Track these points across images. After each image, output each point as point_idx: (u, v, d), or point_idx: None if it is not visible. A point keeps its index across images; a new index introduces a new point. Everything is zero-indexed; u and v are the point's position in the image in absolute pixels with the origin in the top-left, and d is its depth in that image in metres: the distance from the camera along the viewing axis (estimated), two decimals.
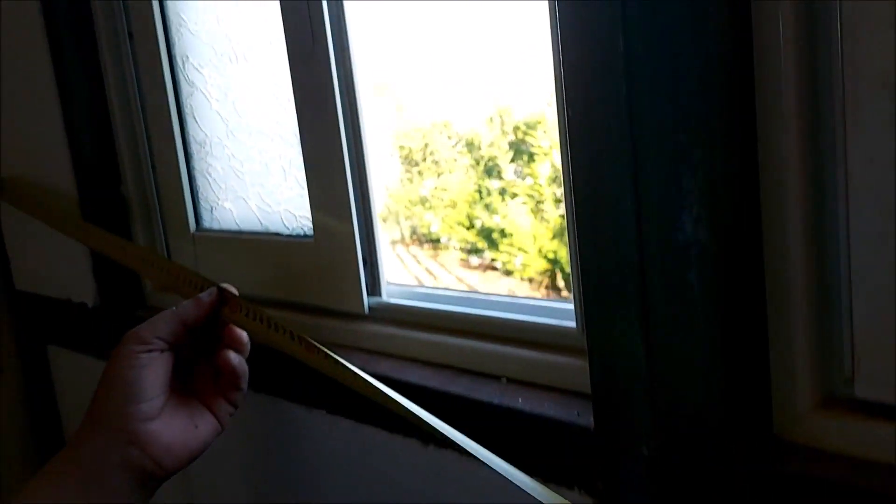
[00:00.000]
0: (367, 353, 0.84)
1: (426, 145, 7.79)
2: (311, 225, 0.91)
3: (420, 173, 7.53)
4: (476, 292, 0.82)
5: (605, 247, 0.56)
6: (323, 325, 0.88)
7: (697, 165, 0.50)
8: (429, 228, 6.60)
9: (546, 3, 0.63)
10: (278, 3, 0.85)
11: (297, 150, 0.90)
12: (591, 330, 0.58)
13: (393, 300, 0.85)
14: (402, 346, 0.81)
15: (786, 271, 0.51)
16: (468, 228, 6.18)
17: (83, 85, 1.10)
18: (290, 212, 0.94)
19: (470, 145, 7.09)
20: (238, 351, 0.67)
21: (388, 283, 0.87)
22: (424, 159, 7.71)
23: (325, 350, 0.62)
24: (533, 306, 0.75)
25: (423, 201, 6.97)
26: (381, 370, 0.79)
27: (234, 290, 0.68)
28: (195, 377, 0.67)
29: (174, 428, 0.62)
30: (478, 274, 5.98)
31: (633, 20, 0.51)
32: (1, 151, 1.28)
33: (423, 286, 0.87)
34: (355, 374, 0.60)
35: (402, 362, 0.80)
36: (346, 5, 0.81)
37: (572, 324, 0.69)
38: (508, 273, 5.67)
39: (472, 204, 6.29)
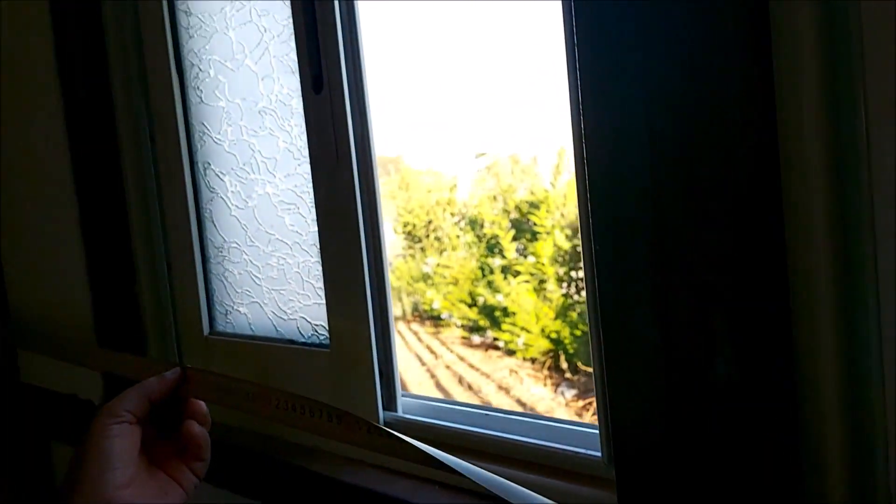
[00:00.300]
0: (381, 471, 0.82)
1: (429, 222, 7.85)
2: (327, 334, 0.91)
3: (423, 249, 7.57)
4: (494, 409, 0.81)
5: (634, 382, 0.56)
6: None
7: (727, 306, 0.50)
8: (430, 305, 6.59)
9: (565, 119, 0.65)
10: (303, 121, 0.88)
11: (315, 259, 0.91)
12: (621, 464, 0.58)
13: (409, 416, 0.84)
14: (417, 465, 0.80)
15: (821, 421, 0.51)
16: (470, 306, 6.18)
17: (102, 185, 1.12)
18: (306, 319, 0.94)
19: (473, 223, 7.15)
20: (200, 423, 0.73)
21: (403, 396, 0.87)
22: (427, 236, 7.76)
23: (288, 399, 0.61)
24: (554, 428, 0.75)
25: (426, 278, 6.98)
26: (396, 491, 0.78)
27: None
28: (162, 451, 0.72)
29: (146, 496, 0.67)
30: (479, 353, 5.95)
31: (660, 166, 0.52)
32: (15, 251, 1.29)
33: (439, 401, 0.86)
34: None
35: (418, 483, 0.79)
36: (372, 124, 0.83)
37: (597, 453, 0.68)
38: (511, 353, 5.64)
39: (474, 281, 6.31)
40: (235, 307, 1.03)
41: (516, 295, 5.47)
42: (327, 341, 0.91)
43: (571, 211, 5.55)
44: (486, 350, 5.90)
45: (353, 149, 0.82)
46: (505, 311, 5.56)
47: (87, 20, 1.08)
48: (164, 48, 1.02)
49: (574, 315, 5.11)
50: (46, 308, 1.28)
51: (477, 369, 5.53)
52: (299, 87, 0.87)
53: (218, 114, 1.00)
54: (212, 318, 1.07)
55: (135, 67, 1.07)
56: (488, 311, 5.86)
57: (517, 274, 5.61)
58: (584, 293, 5.58)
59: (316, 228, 0.90)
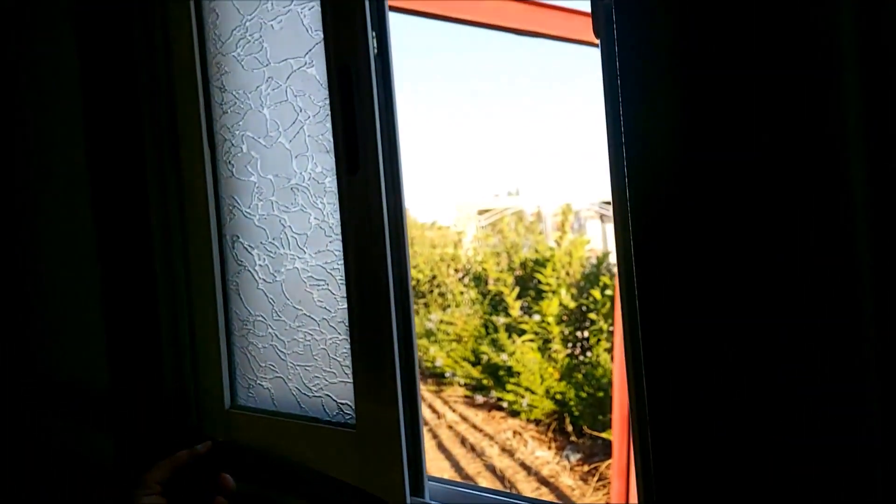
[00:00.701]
0: None
1: (433, 277, 7.85)
2: (353, 414, 0.91)
3: (426, 305, 7.56)
4: (519, 497, 0.80)
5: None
6: None
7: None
8: (433, 363, 6.55)
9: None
10: (336, 199, 0.89)
11: (343, 337, 0.91)
12: None
13: (435, 502, 0.83)
14: None
15: None
16: (473, 365, 6.14)
17: (129, 253, 1.13)
18: (331, 397, 0.94)
19: (477, 279, 7.16)
20: (226, 497, 0.83)
21: (430, 480, 0.86)
22: (431, 291, 7.75)
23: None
24: None
25: (429, 334, 6.95)
26: None
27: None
28: None
29: None
30: (482, 413, 5.89)
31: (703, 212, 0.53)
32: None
33: (465, 486, 0.85)
34: None
35: None
36: (405, 202, 0.85)
37: None
38: (514, 414, 5.58)
39: (477, 339, 6.28)
40: (258, 381, 1.03)
41: (521, 354, 5.44)
42: (353, 421, 0.90)
43: (577, 270, 5.56)
44: (490, 410, 5.84)
45: (387, 227, 0.84)
46: (509, 371, 5.53)
47: (121, 89, 1.11)
48: (198, 122, 1.04)
49: (580, 376, 5.08)
50: (67, 374, 1.28)
51: (480, 430, 5.47)
52: (333, 167, 0.89)
53: (249, 188, 1.01)
54: (233, 391, 1.07)
55: (167, 140, 1.09)
56: (492, 369, 5.83)
57: (522, 332, 5.59)
58: (588, 354, 5.54)
59: (345, 305, 0.90)
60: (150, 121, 1.09)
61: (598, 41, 0.68)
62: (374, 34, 0.82)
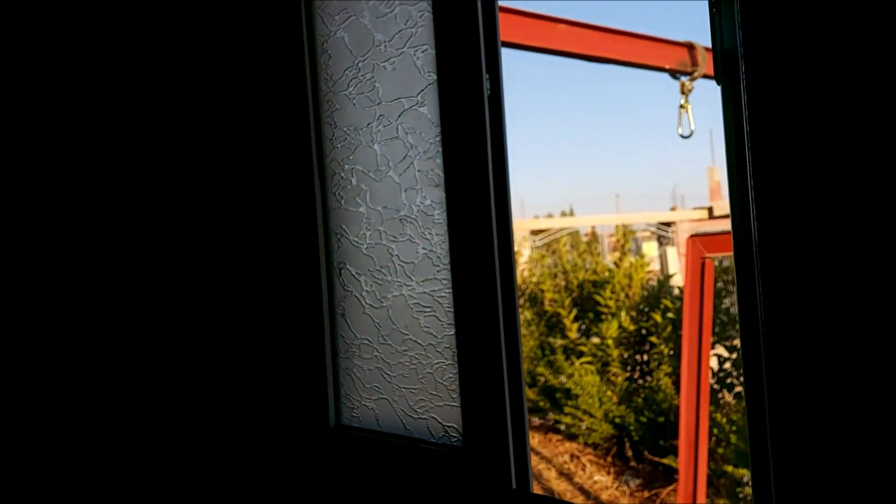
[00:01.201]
0: None
1: None
2: (459, 436, 0.95)
3: None
4: None
5: None
6: None
7: None
8: None
9: None
10: (445, 230, 0.94)
11: (450, 362, 0.96)
12: None
13: None
14: None
15: None
16: (530, 387, 6.13)
17: (238, 278, 1.20)
18: (437, 420, 0.98)
19: (533, 299, 7.17)
20: None
21: (536, 499, 0.89)
22: None
23: None
24: None
25: None
26: None
27: None
28: None
29: None
30: (538, 436, 5.88)
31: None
32: None
33: (566, 502, 0.89)
34: None
35: None
36: (513, 234, 0.89)
37: None
38: (572, 437, 5.56)
39: (533, 360, 6.28)
40: (363, 402, 1.08)
41: (579, 377, 5.42)
42: (460, 443, 0.95)
43: (637, 292, 5.53)
44: (546, 433, 5.83)
45: (497, 261, 0.88)
46: (567, 393, 5.51)
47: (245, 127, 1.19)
48: (309, 156, 1.10)
49: (640, 400, 5.04)
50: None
51: (537, 453, 5.46)
52: (442, 199, 0.94)
53: (358, 219, 1.07)
54: (338, 411, 1.12)
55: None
56: (549, 392, 5.82)
57: (580, 354, 5.58)
58: (648, 378, 5.49)
59: (452, 332, 0.95)
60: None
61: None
62: (487, 76, 0.87)
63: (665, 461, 4.64)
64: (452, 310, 0.94)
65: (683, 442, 3.08)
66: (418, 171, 0.98)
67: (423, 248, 0.99)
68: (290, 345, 1.17)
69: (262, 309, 1.18)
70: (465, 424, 0.93)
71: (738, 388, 5.08)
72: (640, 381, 5.44)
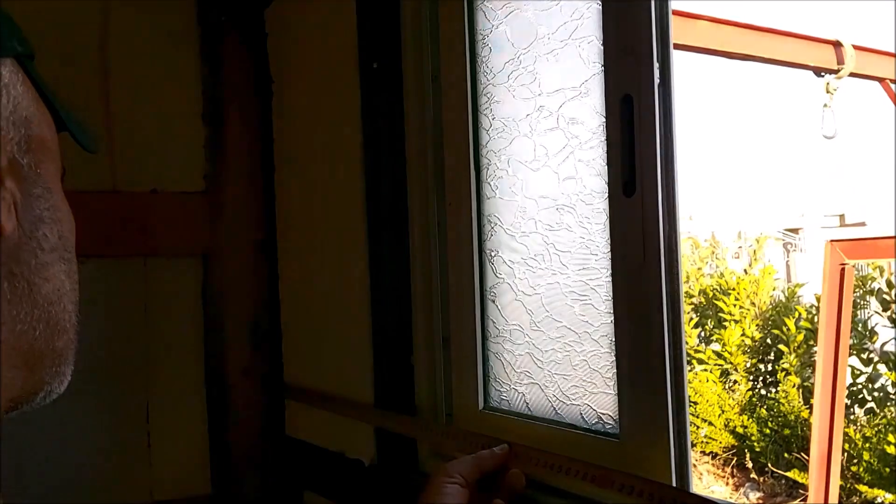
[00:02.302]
0: None
1: None
2: (614, 424, 0.95)
3: None
4: None
5: None
6: None
7: None
8: None
9: None
10: (604, 219, 0.94)
11: (605, 350, 0.96)
12: None
13: None
14: None
15: None
16: None
17: (390, 263, 1.24)
18: (590, 407, 0.98)
19: None
20: (511, 498, 0.87)
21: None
22: None
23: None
24: None
25: None
26: None
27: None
28: None
29: None
30: None
31: None
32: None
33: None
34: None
35: None
36: (679, 227, 0.88)
37: None
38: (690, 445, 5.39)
39: None
40: (513, 386, 1.10)
41: (698, 384, 5.25)
42: (615, 430, 0.94)
43: (764, 300, 5.29)
44: None
45: (663, 251, 0.87)
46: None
47: (392, 113, 1.23)
48: (466, 146, 1.13)
49: (763, 411, 4.82)
50: (324, 371, 1.42)
51: None
52: (603, 189, 0.94)
53: (512, 208, 1.09)
54: (486, 394, 1.14)
55: (432, 160, 1.19)
56: None
57: (700, 362, 5.40)
58: (773, 389, 5.24)
59: (609, 321, 0.95)
60: (417, 140, 1.20)
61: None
62: (658, 65, 0.87)
63: (790, 475, 4.42)
64: (611, 298, 0.94)
65: (816, 456, 2.93)
66: (578, 160, 0.99)
67: (581, 237, 1.00)
68: (437, 327, 1.20)
69: (403, 297, 1.22)
70: (621, 413, 0.92)
71: (871, 404, 4.78)
72: (764, 392, 5.20)
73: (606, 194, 0.93)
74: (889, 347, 4.82)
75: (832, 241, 3.07)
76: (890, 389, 4.75)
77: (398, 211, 1.24)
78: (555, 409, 1.04)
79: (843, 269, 3.04)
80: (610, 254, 0.93)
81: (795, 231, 9.26)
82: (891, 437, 4.04)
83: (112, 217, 1.48)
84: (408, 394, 1.24)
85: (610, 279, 0.94)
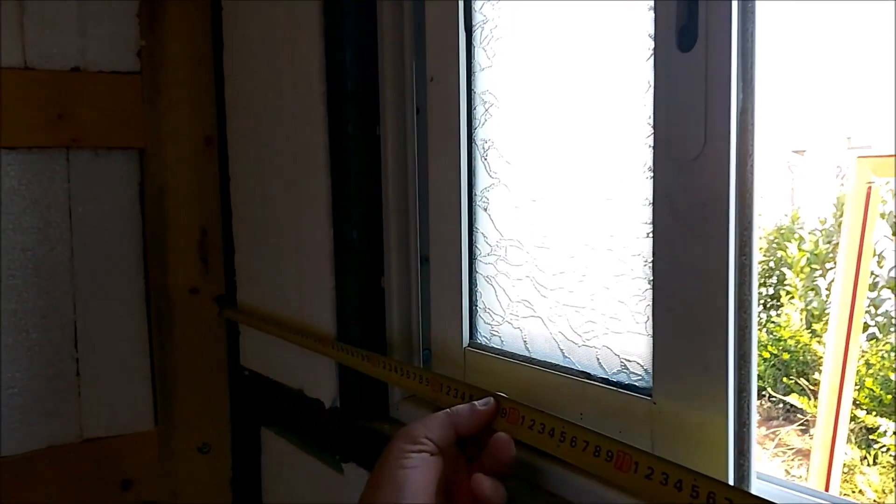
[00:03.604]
0: None
1: None
2: (643, 375, 0.67)
3: None
4: None
5: None
6: None
7: None
8: None
9: None
10: (646, 90, 0.64)
11: (638, 275, 0.67)
12: None
13: None
14: None
15: None
16: None
17: (356, 159, 0.94)
18: (611, 350, 0.71)
19: None
20: (498, 469, 0.63)
21: (759, 478, 0.61)
22: None
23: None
24: None
25: None
26: None
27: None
28: (456, 489, 0.63)
29: None
30: None
31: None
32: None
33: (807, 490, 0.60)
34: None
35: None
36: (757, 99, 0.58)
37: None
38: None
39: None
40: (507, 319, 0.82)
41: None
42: (645, 384, 0.67)
43: (768, 223, 5.00)
44: None
45: (733, 130, 0.58)
46: None
47: None
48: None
49: (763, 335, 4.60)
50: (281, 293, 1.14)
51: None
52: (648, 40, 0.64)
53: (512, 81, 0.78)
54: (473, 328, 0.87)
55: (409, 18, 0.88)
56: None
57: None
58: (775, 313, 5.01)
59: (646, 233, 0.66)
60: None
61: None
62: None
63: (789, 399, 4.24)
64: (650, 201, 0.65)
65: (827, 385, 2.70)
66: (601, 11, 0.68)
67: (609, 112, 0.70)
68: (414, 242, 0.92)
69: (371, 203, 0.93)
70: (656, 361, 0.65)
71: (873, 329, 4.55)
72: (764, 316, 4.98)
73: (651, 46, 0.63)
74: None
75: (861, 157, 2.76)
76: (894, 315, 4.53)
77: (366, 91, 0.93)
78: (562, 350, 0.76)
79: (869, 188, 2.74)
80: (653, 135, 0.63)
81: (800, 153, 8.84)
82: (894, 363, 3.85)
83: (24, 100, 1.17)
84: (377, 325, 0.96)
85: (650, 173, 0.64)
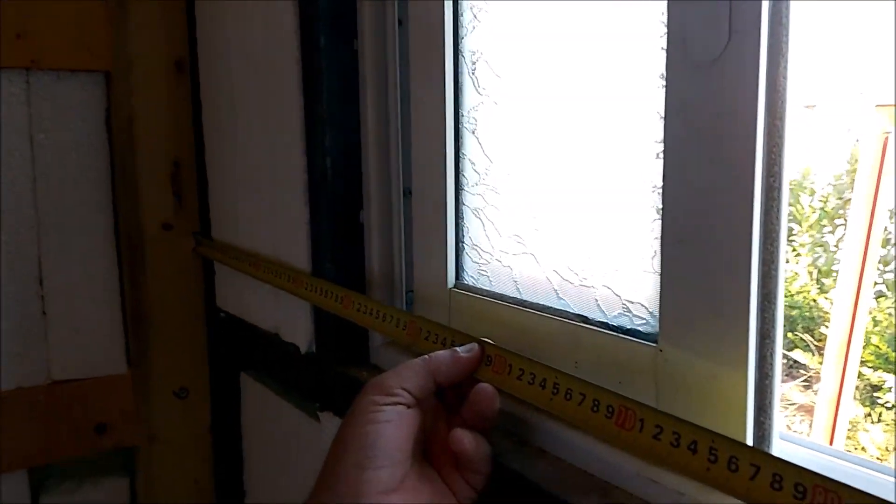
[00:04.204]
0: None
1: None
2: (649, 319, 0.58)
3: None
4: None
5: None
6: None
7: None
8: None
9: None
10: None
11: (649, 205, 0.57)
12: None
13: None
14: None
15: None
16: None
17: (330, 79, 0.83)
18: (612, 291, 0.61)
19: None
20: (480, 423, 0.55)
21: (783, 439, 0.52)
22: None
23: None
24: None
25: None
26: None
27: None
28: (434, 446, 0.56)
29: None
30: None
31: None
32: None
33: (830, 451, 0.51)
34: None
35: None
36: None
37: None
38: None
39: None
40: (496, 257, 0.72)
41: None
42: (651, 330, 0.57)
43: None
44: None
45: (766, 24, 0.47)
46: None
47: None
48: None
49: None
50: (255, 228, 1.04)
51: None
52: None
53: None
54: (459, 268, 0.77)
55: None
56: None
57: None
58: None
59: (656, 153, 0.56)
60: None
61: None
62: None
63: (791, 354, 4.17)
64: (661, 114, 0.54)
65: (834, 341, 2.61)
66: None
67: (618, 22, 0.59)
68: (407, 170, 0.82)
69: (348, 130, 0.82)
70: (664, 304, 0.55)
71: (881, 286, 4.45)
72: None
73: None
74: None
75: (878, 105, 2.62)
76: None
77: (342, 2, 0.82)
78: (556, 291, 0.66)
79: (886, 139, 2.61)
80: (667, 35, 0.52)
81: (811, 107, 8.62)
82: None
83: None
84: (355, 264, 0.87)
85: (663, 81, 0.54)
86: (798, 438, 0.52)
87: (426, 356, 0.58)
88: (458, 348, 0.60)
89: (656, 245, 0.56)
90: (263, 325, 1.04)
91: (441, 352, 0.59)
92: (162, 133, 1.16)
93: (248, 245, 1.06)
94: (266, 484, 1.17)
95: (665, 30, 0.53)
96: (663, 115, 0.53)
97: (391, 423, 0.52)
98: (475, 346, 0.60)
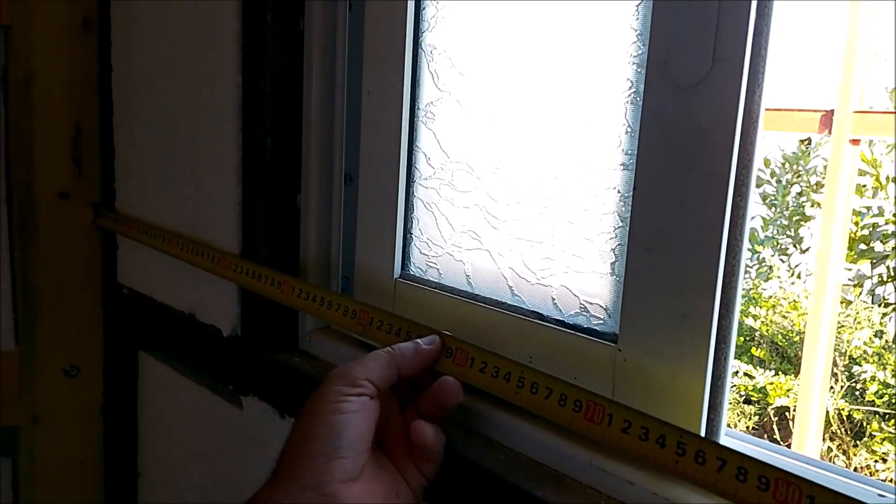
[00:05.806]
0: None
1: None
2: (607, 319, 0.59)
3: None
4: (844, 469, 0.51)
5: None
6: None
7: None
8: None
9: None
10: None
11: (609, 210, 0.58)
12: None
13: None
14: None
15: None
16: None
17: (273, 54, 0.78)
18: (569, 290, 0.62)
19: None
20: (436, 414, 0.56)
21: (728, 434, 0.56)
22: None
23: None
24: None
25: None
26: None
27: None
28: (387, 434, 0.56)
29: (376, 495, 0.50)
30: None
31: None
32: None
33: (773, 448, 0.55)
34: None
35: None
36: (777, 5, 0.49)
37: None
38: None
39: None
40: (448, 251, 0.71)
41: None
42: (607, 329, 0.59)
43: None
44: None
45: (748, 54, 0.49)
46: None
47: None
48: None
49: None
50: (170, 202, 0.97)
51: None
52: None
53: None
54: (406, 258, 0.75)
55: None
56: None
57: None
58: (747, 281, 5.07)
59: (621, 164, 0.57)
60: None
61: None
62: None
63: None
64: (631, 131, 0.55)
65: (809, 337, 2.76)
66: None
67: (588, 19, 0.59)
68: (337, 161, 0.78)
69: (289, 117, 0.78)
70: (625, 304, 0.56)
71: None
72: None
73: None
74: None
75: (857, 111, 2.70)
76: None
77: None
78: (511, 288, 0.66)
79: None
80: (646, 54, 0.53)
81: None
82: None
83: None
84: (289, 247, 0.83)
85: (634, 96, 0.55)
86: (738, 434, 0.56)
87: (390, 348, 0.57)
88: (419, 340, 0.59)
89: (619, 250, 0.58)
90: (176, 305, 0.97)
91: (405, 344, 0.58)
92: (64, 95, 1.04)
93: (159, 220, 0.98)
94: (165, 465, 1.10)
95: (641, 48, 0.54)
96: (638, 128, 0.54)
97: (357, 414, 0.51)
98: (436, 338, 0.59)
